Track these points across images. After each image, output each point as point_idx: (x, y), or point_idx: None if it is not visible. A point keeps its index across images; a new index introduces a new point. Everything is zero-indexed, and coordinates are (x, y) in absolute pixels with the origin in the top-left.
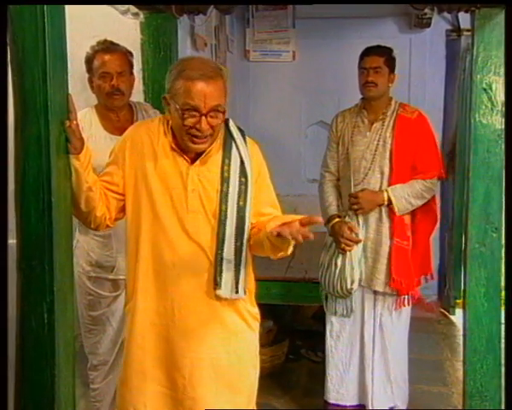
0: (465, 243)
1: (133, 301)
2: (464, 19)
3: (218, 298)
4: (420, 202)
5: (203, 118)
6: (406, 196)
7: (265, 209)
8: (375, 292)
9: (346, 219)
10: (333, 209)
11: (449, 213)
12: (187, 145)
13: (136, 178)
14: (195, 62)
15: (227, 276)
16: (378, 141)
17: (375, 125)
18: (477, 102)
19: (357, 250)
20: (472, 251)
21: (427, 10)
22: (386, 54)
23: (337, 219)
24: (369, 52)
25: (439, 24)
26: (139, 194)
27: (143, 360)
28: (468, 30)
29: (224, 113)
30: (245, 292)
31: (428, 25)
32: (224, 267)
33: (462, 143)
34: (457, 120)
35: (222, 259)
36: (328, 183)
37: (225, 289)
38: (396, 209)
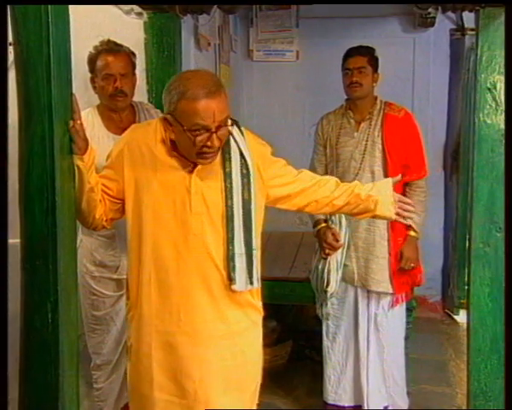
0: (469, 243)
1: (137, 309)
2: (468, 18)
3: (222, 298)
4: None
5: (213, 135)
6: (422, 216)
7: (302, 180)
8: (369, 292)
9: (329, 223)
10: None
11: (453, 212)
12: (196, 162)
13: (135, 185)
14: (196, 80)
15: (240, 270)
16: (367, 141)
17: (362, 125)
18: (481, 101)
19: (336, 254)
20: (476, 251)
21: (430, 10)
22: (369, 53)
23: (323, 224)
24: (352, 53)
25: (443, 23)
26: (140, 199)
27: (150, 368)
28: (472, 29)
29: (232, 123)
30: (258, 282)
31: (432, 24)
32: (236, 262)
33: (466, 143)
34: (461, 120)
35: (233, 254)
36: None
37: (240, 283)
38: (418, 233)
